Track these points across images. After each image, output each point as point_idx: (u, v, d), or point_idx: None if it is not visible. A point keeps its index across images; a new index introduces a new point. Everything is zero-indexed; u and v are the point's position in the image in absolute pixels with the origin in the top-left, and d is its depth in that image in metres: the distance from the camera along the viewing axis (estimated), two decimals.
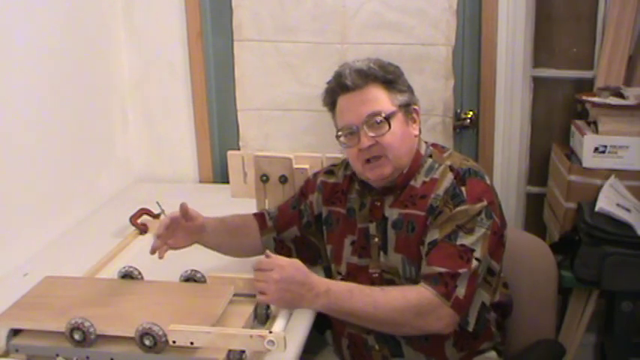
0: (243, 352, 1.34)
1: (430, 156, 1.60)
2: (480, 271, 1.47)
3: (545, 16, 2.29)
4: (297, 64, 2.38)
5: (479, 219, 1.47)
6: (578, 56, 2.30)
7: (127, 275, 1.61)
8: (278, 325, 1.37)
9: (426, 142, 1.64)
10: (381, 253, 1.57)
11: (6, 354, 1.39)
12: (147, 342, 1.31)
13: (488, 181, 1.55)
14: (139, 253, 1.89)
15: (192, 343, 1.31)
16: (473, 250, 1.45)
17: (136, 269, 1.61)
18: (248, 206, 1.96)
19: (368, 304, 1.43)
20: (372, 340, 1.58)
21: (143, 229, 2.01)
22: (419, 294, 1.43)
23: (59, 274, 1.62)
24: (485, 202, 1.49)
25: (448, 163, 1.56)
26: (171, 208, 2.05)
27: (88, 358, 1.35)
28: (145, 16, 2.42)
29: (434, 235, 1.48)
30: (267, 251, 1.46)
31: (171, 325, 1.31)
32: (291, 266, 1.41)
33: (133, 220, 2.01)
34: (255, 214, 1.77)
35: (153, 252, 1.56)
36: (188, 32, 2.40)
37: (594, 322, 2.22)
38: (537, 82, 2.36)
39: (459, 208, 1.48)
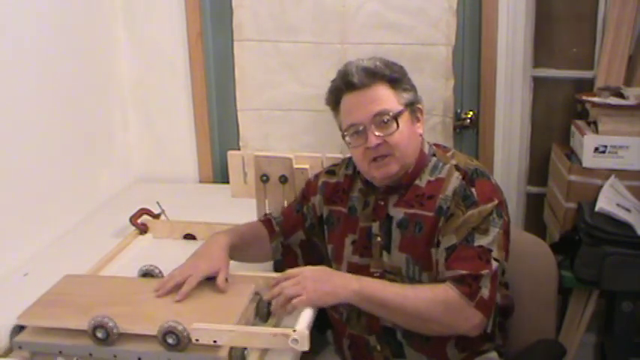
0: (245, 348, 1.34)
1: (434, 155, 1.60)
2: (500, 272, 1.48)
3: (545, 16, 2.29)
4: (297, 64, 2.38)
5: (491, 219, 1.48)
6: (578, 56, 2.30)
7: (148, 274, 1.62)
8: (302, 323, 1.35)
9: (428, 142, 1.64)
10: (384, 252, 1.57)
11: (9, 351, 1.40)
12: (170, 340, 1.32)
13: (494, 181, 1.55)
14: (137, 253, 1.89)
15: (215, 342, 1.31)
16: (490, 251, 1.46)
17: (157, 268, 1.62)
18: (248, 206, 1.96)
19: (398, 294, 1.44)
20: (373, 341, 1.58)
21: (143, 229, 2.01)
22: (446, 291, 1.44)
23: (59, 274, 1.62)
24: (495, 202, 1.50)
25: (453, 162, 1.56)
26: (172, 208, 2.06)
27: (115, 357, 1.36)
28: (145, 16, 2.42)
29: (451, 240, 1.48)
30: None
31: (194, 323, 1.32)
32: (316, 267, 1.51)
33: (133, 220, 2.01)
34: (262, 221, 1.76)
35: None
36: (188, 32, 2.40)
37: (594, 322, 2.22)
38: (537, 82, 2.36)
39: (471, 211, 1.48)
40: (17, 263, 1.82)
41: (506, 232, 1.51)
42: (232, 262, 1.61)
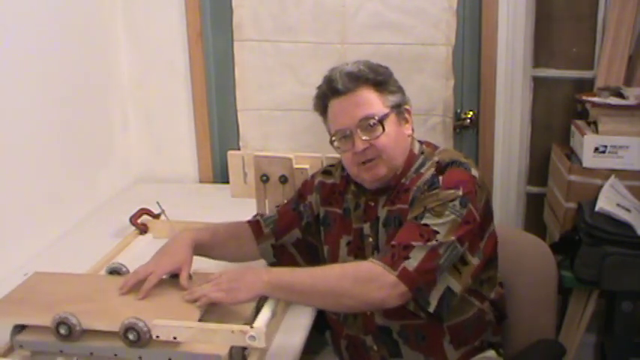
0: (245, 348, 1.36)
1: (422, 153, 1.60)
2: (443, 253, 1.42)
3: (545, 16, 2.29)
4: (297, 64, 2.38)
5: (450, 205, 1.45)
6: (578, 56, 2.30)
7: (114, 271, 1.64)
8: (260, 320, 1.36)
9: (419, 141, 1.63)
10: (375, 252, 1.56)
11: (10, 350, 1.41)
12: (131, 336, 1.33)
13: (474, 173, 1.52)
14: (137, 253, 1.89)
15: (175, 338, 1.33)
16: (436, 232, 1.42)
17: (124, 265, 1.64)
18: (248, 206, 1.96)
19: (306, 275, 1.44)
20: (370, 341, 1.58)
21: (143, 229, 2.01)
22: (358, 264, 1.45)
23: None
24: (460, 192, 1.46)
25: (436, 159, 1.56)
26: (172, 208, 2.06)
27: (115, 355, 1.37)
28: (145, 16, 2.42)
29: (407, 218, 1.49)
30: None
31: (155, 319, 1.33)
32: (236, 268, 1.54)
33: (133, 220, 2.01)
34: (249, 222, 1.75)
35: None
36: (188, 32, 2.40)
37: (594, 322, 2.22)
38: (537, 82, 2.36)
39: (430, 192, 1.48)
40: (17, 263, 1.82)
41: (469, 223, 1.46)
42: (199, 260, 1.63)
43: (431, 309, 1.45)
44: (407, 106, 1.59)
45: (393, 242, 1.43)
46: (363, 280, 1.40)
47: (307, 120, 2.41)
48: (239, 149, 2.48)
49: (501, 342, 1.66)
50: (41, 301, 1.46)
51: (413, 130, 1.61)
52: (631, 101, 2.05)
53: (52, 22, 2.02)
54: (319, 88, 1.59)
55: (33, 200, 1.92)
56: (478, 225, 1.50)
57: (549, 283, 1.77)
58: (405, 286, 1.39)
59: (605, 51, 2.20)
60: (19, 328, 1.42)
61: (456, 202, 1.45)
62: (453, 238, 1.43)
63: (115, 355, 1.37)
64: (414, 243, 1.41)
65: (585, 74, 2.30)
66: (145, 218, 2.03)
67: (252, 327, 1.32)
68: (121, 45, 2.43)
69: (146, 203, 2.06)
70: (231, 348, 1.34)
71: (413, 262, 1.40)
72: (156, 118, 2.52)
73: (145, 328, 1.33)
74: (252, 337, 1.30)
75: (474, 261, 1.51)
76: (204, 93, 2.46)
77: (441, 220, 1.44)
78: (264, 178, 1.96)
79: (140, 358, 1.36)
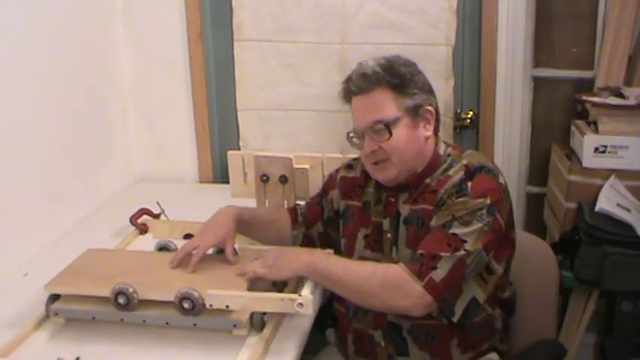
0: (264, 314, 1.45)
1: (449, 155, 1.60)
2: (470, 263, 1.44)
3: (545, 16, 2.29)
4: (298, 64, 2.38)
5: (478, 214, 1.46)
6: (578, 56, 2.30)
7: (164, 247, 1.76)
8: (306, 289, 1.46)
9: (445, 142, 1.64)
10: (394, 248, 1.58)
11: (45, 318, 1.51)
12: (186, 305, 1.43)
13: (501, 181, 1.53)
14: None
15: (227, 307, 1.42)
16: (464, 242, 1.43)
17: (172, 242, 1.76)
18: (248, 206, 1.96)
19: (340, 267, 1.48)
20: (378, 337, 1.59)
21: (143, 229, 2.01)
22: (389, 268, 1.46)
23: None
24: (488, 200, 1.47)
25: (465, 162, 1.56)
26: (172, 208, 2.06)
27: (144, 321, 1.47)
28: (145, 16, 2.42)
29: (432, 223, 1.49)
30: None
31: (208, 289, 1.42)
32: (281, 247, 1.63)
33: (133, 220, 2.01)
34: (289, 209, 1.83)
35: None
36: (188, 32, 2.40)
37: (594, 322, 2.22)
38: (537, 82, 2.36)
39: (458, 200, 1.48)
40: (17, 263, 1.82)
41: (496, 232, 1.47)
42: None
43: (455, 319, 1.46)
44: (429, 107, 1.58)
45: (420, 251, 1.44)
46: (391, 285, 1.42)
47: (307, 120, 2.41)
48: (239, 149, 2.48)
49: (506, 350, 1.66)
50: (98, 275, 1.55)
51: (438, 130, 1.61)
52: (631, 101, 2.05)
53: (52, 22, 2.02)
54: (344, 82, 1.61)
55: (33, 200, 1.92)
56: (503, 233, 1.50)
57: (550, 284, 1.77)
58: (431, 297, 1.41)
59: (605, 51, 2.20)
60: (54, 298, 1.51)
61: (484, 211, 1.46)
62: (479, 246, 1.45)
63: (144, 321, 1.47)
64: (441, 253, 1.42)
65: (585, 74, 2.30)
66: (145, 218, 2.03)
67: (300, 295, 1.42)
68: (121, 45, 2.43)
69: (146, 203, 2.06)
70: (252, 314, 1.44)
71: (440, 273, 1.41)
72: (156, 118, 2.52)
73: (200, 298, 1.42)
74: (300, 305, 1.40)
75: (499, 269, 1.52)
76: (204, 93, 2.46)
77: (468, 230, 1.45)
78: (264, 178, 1.96)
79: (167, 323, 1.46)
